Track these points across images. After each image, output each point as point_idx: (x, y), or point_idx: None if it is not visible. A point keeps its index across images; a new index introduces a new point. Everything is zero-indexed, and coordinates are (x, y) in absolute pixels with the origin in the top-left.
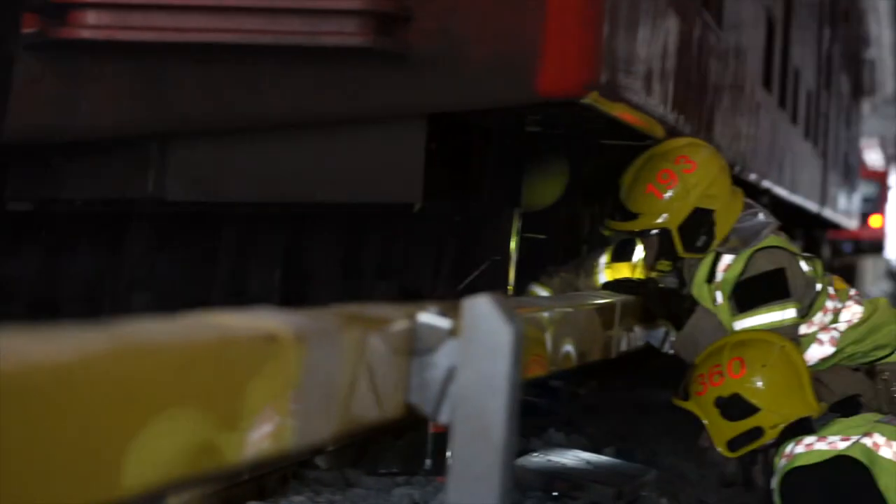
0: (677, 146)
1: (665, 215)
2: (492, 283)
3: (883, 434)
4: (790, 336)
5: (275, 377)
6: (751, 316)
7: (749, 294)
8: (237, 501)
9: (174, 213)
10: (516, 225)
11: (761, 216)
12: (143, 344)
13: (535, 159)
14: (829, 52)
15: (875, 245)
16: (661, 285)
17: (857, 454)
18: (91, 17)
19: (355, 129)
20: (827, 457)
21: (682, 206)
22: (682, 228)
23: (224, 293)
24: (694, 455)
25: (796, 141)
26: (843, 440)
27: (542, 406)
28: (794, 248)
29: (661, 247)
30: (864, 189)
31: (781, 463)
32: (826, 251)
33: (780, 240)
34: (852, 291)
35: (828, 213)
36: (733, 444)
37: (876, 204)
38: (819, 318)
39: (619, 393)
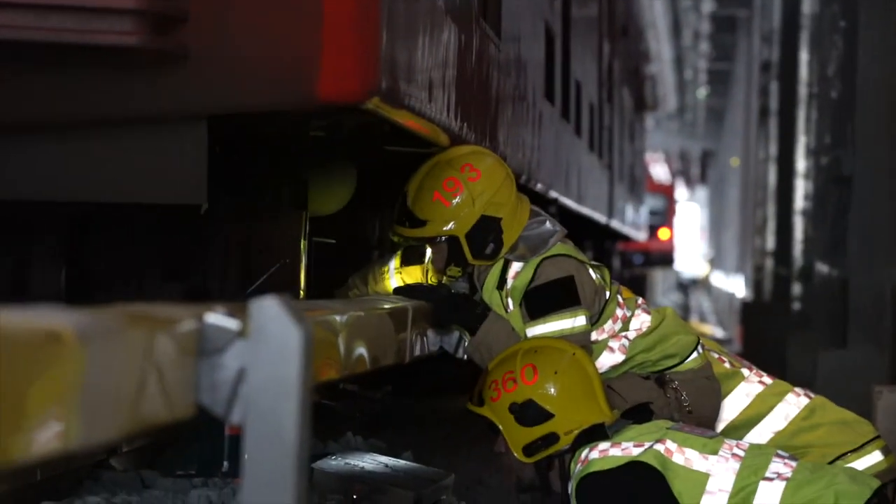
0: (462, 154)
1: (452, 223)
2: (283, 286)
3: (675, 440)
4: (581, 343)
5: (58, 376)
6: (542, 323)
7: (539, 302)
8: (31, 502)
9: None
10: (305, 229)
11: (548, 224)
12: None
13: (320, 164)
14: (609, 66)
15: (665, 257)
16: (452, 291)
17: (650, 460)
18: None
19: (134, 129)
20: (621, 462)
21: (468, 213)
22: (470, 236)
23: (5, 292)
24: (491, 460)
25: (582, 153)
26: (636, 446)
27: (338, 410)
28: (582, 256)
29: (451, 253)
30: (652, 202)
31: (577, 468)
32: (617, 263)
33: (567, 248)
34: (639, 300)
35: (616, 224)
36: (529, 450)
37: (664, 217)
38: (609, 325)
39: (416, 398)
